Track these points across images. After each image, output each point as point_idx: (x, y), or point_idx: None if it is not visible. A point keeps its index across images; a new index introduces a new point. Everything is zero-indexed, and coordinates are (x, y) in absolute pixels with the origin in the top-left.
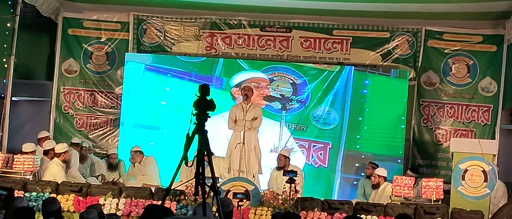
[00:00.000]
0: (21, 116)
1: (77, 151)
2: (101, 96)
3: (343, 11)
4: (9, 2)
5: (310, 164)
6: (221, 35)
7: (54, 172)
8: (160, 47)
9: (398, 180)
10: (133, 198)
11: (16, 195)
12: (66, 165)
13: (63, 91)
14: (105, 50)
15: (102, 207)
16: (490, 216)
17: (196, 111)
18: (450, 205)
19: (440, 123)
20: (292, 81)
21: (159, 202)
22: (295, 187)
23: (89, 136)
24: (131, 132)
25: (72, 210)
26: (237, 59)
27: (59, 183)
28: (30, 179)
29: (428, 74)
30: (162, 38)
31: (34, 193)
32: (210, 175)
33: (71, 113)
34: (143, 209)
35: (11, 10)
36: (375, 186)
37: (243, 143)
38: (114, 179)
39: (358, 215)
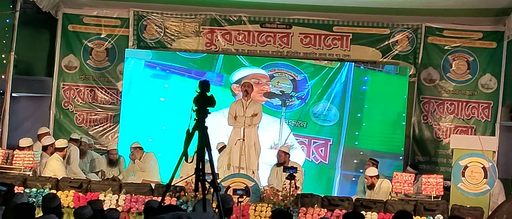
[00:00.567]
0: (21, 112)
1: (77, 147)
2: (101, 92)
3: (343, 7)
4: None
5: (310, 161)
6: (221, 31)
7: (54, 167)
8: (160, 43)
9: (398, 177)
10: (133, 194)
11: (16, 191)
12: (66, 160)
13: (63, 87)
14: (105, 46)
15: (102, 203)
16: (489, 213)
17: (196, 107)
18: (450, 201)
19: (440, 120)
20: (292, 78)
21: (159, 199)
22: (295, 183)
23: (89, 132)
24: (131, 128)
25: (72, 206)
26: (237, 56)
27: (59, 179)
28: (30, 175)
29: (428, 70)
30: (162, 34)
31: (34, 189)
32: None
33: (71, 109)
34: (143, 206)
35: (11, 6)
36: (371, 187)
37: (243, 140)
38: (113, 175)
39: (358, 212)
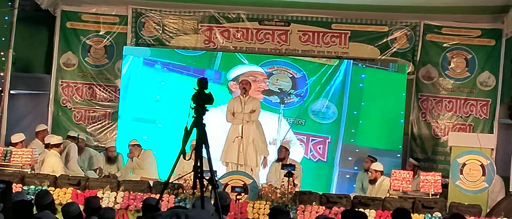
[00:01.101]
0: (19, 109)
1: (75, 144)
2: (100, 90)
3: (341, 5)
4: None
5: (308, 158)
6: (220, 29)
7: (53, 163)
8: (158, 41)
9: (396, 174)
10: (131, 192)
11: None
12: (64, 158)
13: (62, 85)
14: (104, 43)
15: (100, 201)
16: (488, 210)
17: (194, 105)
18: (448, 199)
19: (438, 117)
20: (291, 75)
21: (157, 196)
22: (293, 181)
23: (87, 129)
24: (129, 125)
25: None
26: (236, 53)
27: (57, 176)
28: (28, 172)
29: (426, 68)
30: (160, 32)
31: (32, 186)
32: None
33: (69, 106)
34: (141, 203)
35: (10, 3)
36: (373, 181)
37: (241, 137)
38: (110, 172)
39: (356, 209)
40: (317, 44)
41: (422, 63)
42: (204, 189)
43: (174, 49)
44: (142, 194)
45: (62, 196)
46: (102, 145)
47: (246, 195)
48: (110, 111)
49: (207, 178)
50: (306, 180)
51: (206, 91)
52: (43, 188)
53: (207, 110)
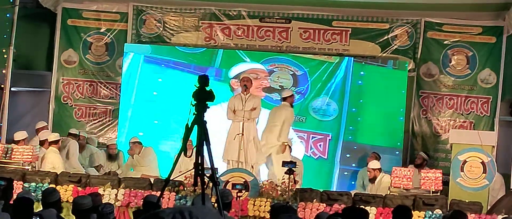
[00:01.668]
0: (20, 106)
1: (76, 141)
2: (100, 87)
3: (342, 2)
4: None
5: (309, 156)
6: (221, 26)
7: (53, 159)
8: (159, 38)
9: (397, 171)
10: (132, 189)
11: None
12: (65, 155)
13: (62, 82)
14: (104, 40)
15: (101, 198)
16: (488, 208)
17: (195, 102)
18: (449, 196)
19: (439, 115)
20: (292, 73)
21: (158, 193)
22: (294, 178)
23: (88, 126)
24: (130, 122)
25: (71, 201)
26: (237, 50)
27: (58, 173)
28: (29, 169)
29: (427, 65)
30: (161, 29)
31: (33, 184)
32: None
33: (70, 103)
34: (142, 200)
35: (11, 0)
36: (372, 180)
37: (242, 134)
38: (111, 169)
39: (358, 206)
40: (318, 41)
41: (423, 61)
42: (205, 187)
43: (175, 46)
44: (142, 191)
45: (63, 193)
46: (103, 142)
47: (247, 192)
48: (111, 108)
49: (208, 175)
50: (307, 178)
51: (207, 88)
52: (45, 185)
53: (208, 107)
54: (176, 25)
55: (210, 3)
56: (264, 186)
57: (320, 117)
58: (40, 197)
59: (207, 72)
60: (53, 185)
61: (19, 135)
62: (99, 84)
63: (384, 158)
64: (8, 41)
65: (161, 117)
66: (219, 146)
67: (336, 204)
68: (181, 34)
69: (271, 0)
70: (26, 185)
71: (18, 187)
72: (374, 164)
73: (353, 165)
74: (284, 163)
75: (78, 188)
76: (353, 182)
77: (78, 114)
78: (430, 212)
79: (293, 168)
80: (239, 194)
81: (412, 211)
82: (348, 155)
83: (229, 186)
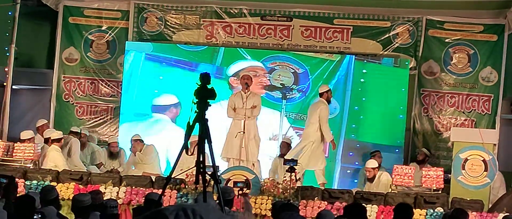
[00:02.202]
0: (22, 104)
1: (77, 139)
2: (102, 85)
3: (344, 0)
4: None
5: None
6: (222, 24)
7: (55, 157)
8: (160, 36)
9: (399, 170)
10: (134, 187)
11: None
12: (67, 153)
13: (64, 80)
14: (106, 38)
15: (103, 196)
16: (490, 206)
17: (196, 100)
18: (450, 194)
19: (440, 113)
20: (293, 71)
21: (160, 191)
22: (295, 176)
23: (90, 124)
24: (131, 120)
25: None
26: (238, 48)
27: (59, 171)
28: (31, 167)
29: (428, 63)
30: (162, 27)
31: (34, 181)
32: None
33: (71, 101)
34: (143, 198)
35: None
36: (371, 179)
37: (243, 132)
38: (113, 167)
39: (359, 204)
40: (319, 39)
41: (424, 59)
42: (207, 184)
43: (176, 44)
44: (144, 189)
45: (64, 191)
46: (104, 140)
47: (248, 190)
48: (112, 106)
49: (209, 173)
50: (308, 176)
51: (209, 86)
52: (46, 183)
53: (210, 105)
54: (178, 23)
55: (211, 1)
56: (265, 184)
57: None
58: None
59: (208, 70)
60: (55, 183)
61: (26, 134)
62: (100, 82)
63: (385, 156)
64: (9, 39)
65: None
66: (218, 144)
67: (337, 202)
68: (183, 32)
69: None
70: (27, 183)
71: (19, 185)
72: (371, 163)
73: (356, 163)
74: (286, 161)
75: (80, 186)
76: (355, 180)
77: (79, 112)
78: (431, 210)
79: (294, 166)
80: (240, 192)
81: (413, 209)
82: (351, 154)
83: (230, 184)
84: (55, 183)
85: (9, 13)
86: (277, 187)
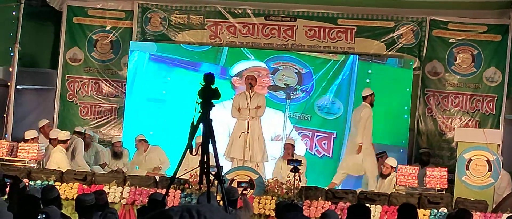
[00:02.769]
0: (26, 104)
1: (81, 139)
2: (106, 85)
3: (347, 0)
4: None
5: (312, 154)
6: (226, 24)
7: (58, 159)
8: (164, 36)
9: (402, 170)
10: (137, 187)
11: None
12: (71, 153)
13: (68, 80)
14: (110, 38)
15: (107, 196)
16: (494, 206)
17: (200, 100)
18: (454, 194)
19: (444, 113)
20: (297, 71)
21: (163, 191)
22: (299, 176)
23: (93, 124)
24: (135, 120)
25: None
26: (242, 48)
27: (63, 171)
28: (35, 167)
29: (432, 63)
30: (166, 27)
31: (38, 181)
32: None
33: (75, 101)
34: (147, 198)
35: None
36: (385, 176)
37: (247, 132)
38: (118, 167)
39: (363, 204)
40: (323, 39)
41: (428, 59)
42: (210, 185)
43: (180, 44)
44: (148, 189)
45: (68, 191)
46: (108, 140)
47: (252, 190)
48: (116, 106)
49: (213, 173)
50: (311, 176)
51: (213, 86)
52: (50, 183)
53: (214, 105)
54: (181, 23)
55: (215, 1)
56: (269, 184)
57: (325, 115)
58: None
59: (211, 70)
60: (59, 183)
61: (30, 134)
62: (104, 82)
63: (390, 156)
64: (13, 39)
65: (166, 115)
66: (222, 144)
67: (341, 202)
68: (186, 32)
69: None
70: (31, 183)
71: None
72: (392, 161)
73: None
74: (290, 161)
75: (84, 186)
76: (359, 181)
77: (83, 112)
78: (435, 210)
79: (298, 166)
80: (244, 192)
81: (417, 209)
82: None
83: (234, 184)
84: (59, 183)
85: (13, 13)
86: (281, 187)
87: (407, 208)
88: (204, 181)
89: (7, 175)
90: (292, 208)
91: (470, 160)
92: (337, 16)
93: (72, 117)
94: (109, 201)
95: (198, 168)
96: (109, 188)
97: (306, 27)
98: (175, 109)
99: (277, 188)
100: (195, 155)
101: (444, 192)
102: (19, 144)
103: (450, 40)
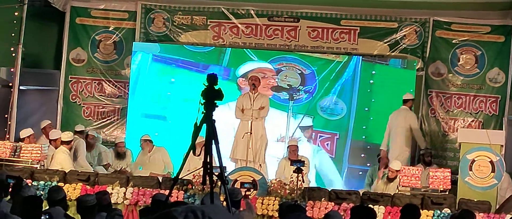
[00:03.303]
0: (29, 105)
1: (83, 139)
2: (109, 85)
3: (351, 1)
4: None
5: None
6: (229, 25)
7: (61, 160)
8: (167, 37)
9: (406, 171)
10: (141, 188)
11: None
12: (73, 154)
13: (71, 80)
14: (113, 39)
15: (109, 196)
16: (497, 207)
17: (204, 101)
18: (458, 195)
19: (447, 114)
20: (300, 71)
21: (167, 192)
22: (302, 177)
23: (97, 125)
24: (138, 121)
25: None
26: (245, 49)
27: (66, 172)
28: (38, 168)
29: (436, 64)
30: (169, 28)
31: (41, 182)
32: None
33: (78, 102)
34: (150, 199)
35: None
36: (391, 180)
37: (250, 133)
38: (122, 167)
39: (366, 205)
40: (326, 40)
41: (432, 60)
42: (214, 185)
43: (183, 45)
44: (151, 190)
45: (71, 191)
46: (111, 141)
47: (255, 191)
48: (119, 107)
49: (216, 174)
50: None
51: (216, 87)
52: (53, 184)
53: (217, 106)
54: (185, 24)
55: (218, 2)
56: (272, 185)
57: (327, 116)
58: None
59: (214, 71)
60: (62, 184)
61: (25, 132)
62: (107, 82)
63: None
64: (16, 39)
65: (170, 115)
66: (227, 145)
67: (344, 203)
68: (189, 33)
69: None
70: (34, 183)
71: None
72: (396, 165)
73: (368, 164)
74: (293, 162)
75: (87, 186)
76: (363, 181)
77: (86, 112)
78: (439, 211)
79: (301, 167)
80: (247, 193)
81: (421, 210)
82: (362, 155)
83: (237, 185)
84: (62, 183)
85: (16, 13)
86: (284, 188)
87: (410, 209)
88: (207, 182)
89: (10, 175)
90: (295, 209)
91: (473, 161)
92: (340, 17)
93: (75, 117)
94: (112, 201)
95: (201, 169)
96: (112, 189)
97: (309, 27)
98: (178, 110)
99: (280, 188)
100: (198, 155)
101: (447, 193)
102: (22, 145)
103: (454, 41)
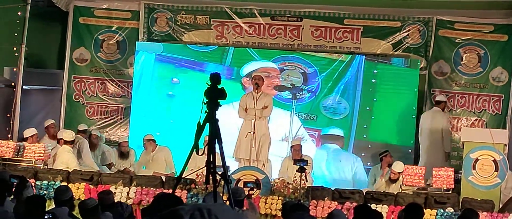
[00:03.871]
0: (32, 105)
1: (86, 138)
2: (112, 85)
3: (354, 0)
4: None
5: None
6: (232, 24)
7: (66, 159)
8: (170, 36)
9: (409, 170)
10: (144, 187)
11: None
12: (77, 154)
13: (74, 80)
14: (116, 39)
15: (113, 196)
16: (500, 206)
17: (207, 100)
18: (461, 194)
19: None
20: (302, 71)
21: (170, 191)
22: (305, 176)
23: (100, 124)
24: (141, 121)
25: (83, 199)
26: (248, 49)
27: (70, 171)
28: (41, 167)
29: (439, 63)
30: (172, 27)
31: (45, 182)
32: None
33: (82, 101)
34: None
35: None
36: (394, 181)
37: (254, 132)
38: (125, 167)
39: (369, 204)
40: (329, 39)
41: (435, 59)
42: (217, 184)
43: (186, 44)
44: (154, 189)
45: (75, 191)
46: (115, 141)
47: (259, 190)
48: (123, 106)
49: (219, 173)
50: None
51: (219, 86)
52: (57, 183)
53: (220, 105)
54: (188, 23)
55: (221, 1)
56: (275, 184)
57: (330, 116)
58: (52, 195)
59: (217, 70)
60: (65, 183)
61: (28, 131)
62: (110, 82)
63: (396, 157)
64: (19, 39)
65: (173, 115)
66: (230, 144)
67: (347, 202)
68: (193, 32)
69: None
70: (38, 183)
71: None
72: (398, 167)
73: (369, 163)
74: (296, 161)
75: (90, 186)
76: (366, 180)
77: (89, 112)
78: (442, 210)
79: (304, 166)
80: (250, 192)
81: (424, 209)
82: (363, 154)
83: (240, 184)
84: (66, 183)
85: (19, 13)
86: (288, 187)
87: (414, 208)
88: (211, 181)
89: (13, 175)
90: (299, 208)
91: (476, 160)
92: (343, 16)
93: (78, 117)
94: (116, 201)
95: (205, 168)
96: (116, 188)
97: (312, 27)
98: (182, 109)
99: (284, 188)
100: (201, 155)
101: (450, 192)
102: (26, 144)
103: (457, 40)
